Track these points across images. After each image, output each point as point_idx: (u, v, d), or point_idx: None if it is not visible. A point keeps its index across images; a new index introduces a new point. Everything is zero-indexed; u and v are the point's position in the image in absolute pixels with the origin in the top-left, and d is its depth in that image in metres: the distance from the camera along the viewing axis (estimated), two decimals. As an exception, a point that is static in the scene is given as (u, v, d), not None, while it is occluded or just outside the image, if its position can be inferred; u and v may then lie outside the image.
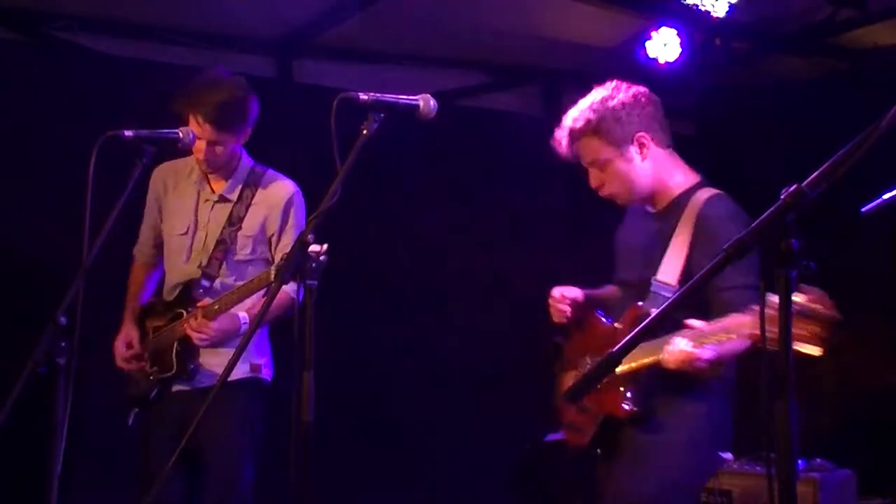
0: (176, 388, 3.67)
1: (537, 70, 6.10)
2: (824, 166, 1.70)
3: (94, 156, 2.86)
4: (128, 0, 4.88)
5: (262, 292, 3.53)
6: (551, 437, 5.73)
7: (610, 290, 3.34)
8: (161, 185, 3.81)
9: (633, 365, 2.86)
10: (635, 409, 2.96)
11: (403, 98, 2.59)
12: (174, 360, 3.64)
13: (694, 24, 5.30)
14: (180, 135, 3.43)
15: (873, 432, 5.72)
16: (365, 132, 2.48)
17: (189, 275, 3.70)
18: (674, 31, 5.30)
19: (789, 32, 5.51)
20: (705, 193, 3.04)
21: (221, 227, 3.68)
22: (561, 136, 3.10)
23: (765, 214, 1.70)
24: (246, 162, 3.75)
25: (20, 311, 4.37)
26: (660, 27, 5.32)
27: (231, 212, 3.69)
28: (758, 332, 2.58)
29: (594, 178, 3.11)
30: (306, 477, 2.32)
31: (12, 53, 4.79)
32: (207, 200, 3.72)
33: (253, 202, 3.69)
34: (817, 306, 2.18)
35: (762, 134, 6.26)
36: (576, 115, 3.07)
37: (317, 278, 2.44)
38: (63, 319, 2.73)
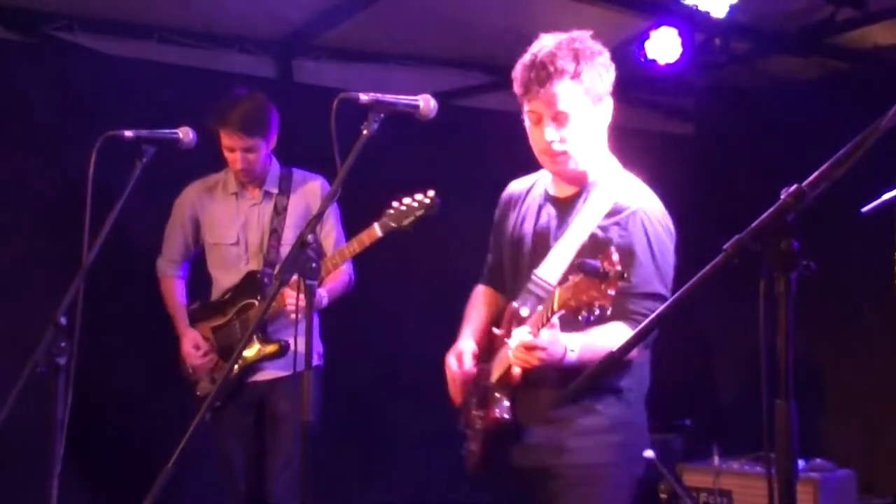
0: (251, 379, 3.93)
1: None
2: (824, 166, 1.70)
3: (94, 156, 2.86)
4: (128, 0, 4.88)
5: (338, 275, 3.96)
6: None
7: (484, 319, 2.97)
8: (197, 201, 4.12)
9: (500, 371, 2.65)
10: (504, 417, 2.66)
11: (403, 98, 2.58)
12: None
13: (694, 24, 5.29)
14: (180, 135, 3.44)
15: (873, 432, 5.73)
16: (365, 132, 2.48)
17: (256, 269, 3.98)
18: (674, 31, 5.30)
19: (789, 32, 5.51)
20: (622, 183, 2.67)
21: (270, 217, 3.99)
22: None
23: (765, 214, 1.70)
24: (276, 166, 4.10)
25: (20, 310, 4.37)
26: (660, 27, 5.32)
27: (275, 203, 4.01)
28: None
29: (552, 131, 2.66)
30: (307, 477, 2.32)
31: (12, 53, 4.79)
32: (254, 205, 4.03)
33: (291, 192, 4.02)
34: (606, 264, 2.11)
35: (762, 134, 6.26)
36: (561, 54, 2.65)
37: (316, 277, 2.44)
38: (63, 319, 2.73)
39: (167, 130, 3.45)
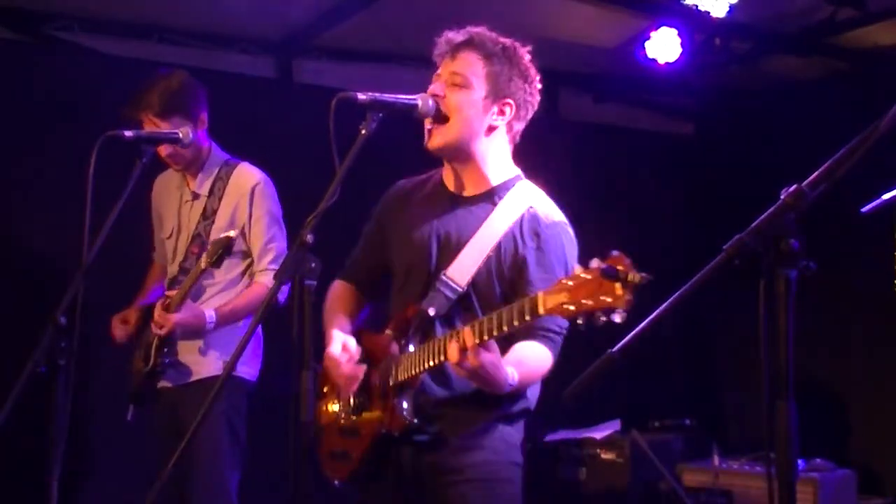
0: (161, 384, 3.71)
1: (537, 70, 6.07)
2: (824, 166, 1.70)
3: (94, 156, 2.86)
4: (128, 0, 4.88)
5: (243, 288, 3.69)
6: (551, 436, 5.73)
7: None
8: (156, 191, 3.92)
9: (414, 371, 2.54)
10: (413, 420, 2.56)
11: (402, 98, 2.58)
12: (153, 354, 3.66)
13: (694, 24, 5.29)
14: (180, 135, 3.45)
15: (873, 432, 5.73)
16: (363, 132, 2.47)
17: (173, 275, 3.77)
18: (674, 31, 5.30)
19: (789, 32, 5.51)
20: (534, 193, 2.69)
21: (196, 222, 3.73)
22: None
23: (765, 214, 1.70)
24: (218, 156, 3.79)
25: (20, 311, 4.37)
26: (660, 27, 5.32)
27: (205, 206, 3.73)
28: None
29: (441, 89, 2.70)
30: (306, 477, 2.32)
31: (12, 53, 4.79)
32: (187, 201, 3.79)
33: (224, 194, 3.71)
34: (621, 267, 1.97)
35: (762, 134, 6.26)
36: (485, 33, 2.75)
37: (315, 278, 2.43)
38: (63, 319, 2.73)
39: (167, 130, 3.47)
